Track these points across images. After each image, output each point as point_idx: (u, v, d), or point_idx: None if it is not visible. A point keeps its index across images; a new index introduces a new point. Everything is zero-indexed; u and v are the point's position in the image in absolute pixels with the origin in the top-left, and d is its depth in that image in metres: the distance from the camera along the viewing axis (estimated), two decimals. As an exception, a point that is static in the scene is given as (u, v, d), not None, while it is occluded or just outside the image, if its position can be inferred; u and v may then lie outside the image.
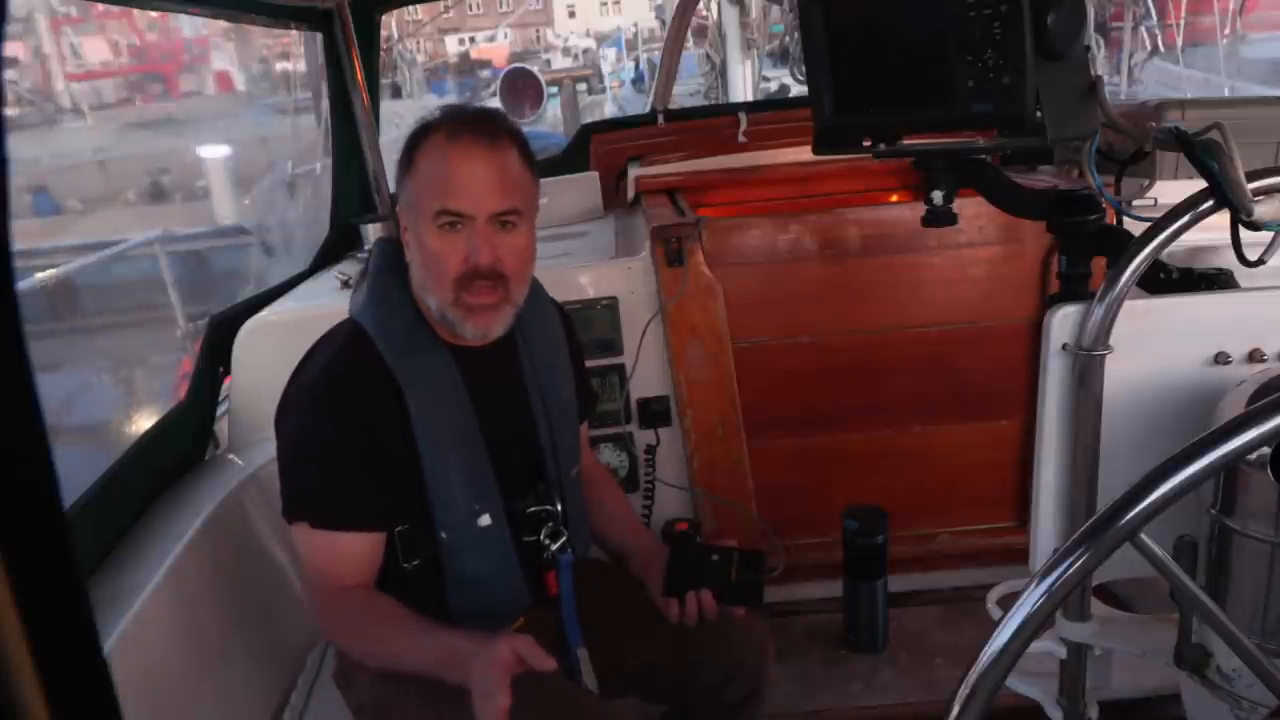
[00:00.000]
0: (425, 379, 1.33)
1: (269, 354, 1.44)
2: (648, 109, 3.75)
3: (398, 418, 1.30)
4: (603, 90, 22.09)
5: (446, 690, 1.33)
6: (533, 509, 1.42)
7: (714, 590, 1.40)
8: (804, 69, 1.49)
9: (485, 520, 1.35)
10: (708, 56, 6.21)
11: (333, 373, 1.32)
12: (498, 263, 1.29)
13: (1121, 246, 1.19)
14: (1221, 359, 1.20)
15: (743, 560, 1.45)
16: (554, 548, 1.43)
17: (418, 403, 1.31)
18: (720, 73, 5.82)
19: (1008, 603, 0.84)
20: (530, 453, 1.46)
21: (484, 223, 1.27)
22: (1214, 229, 1.14)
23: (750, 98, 5.74)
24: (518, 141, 1.33)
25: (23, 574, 0.32)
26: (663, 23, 16.25)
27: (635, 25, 25.33)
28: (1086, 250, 1.43)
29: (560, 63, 28.50)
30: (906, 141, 1.43)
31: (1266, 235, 1.14)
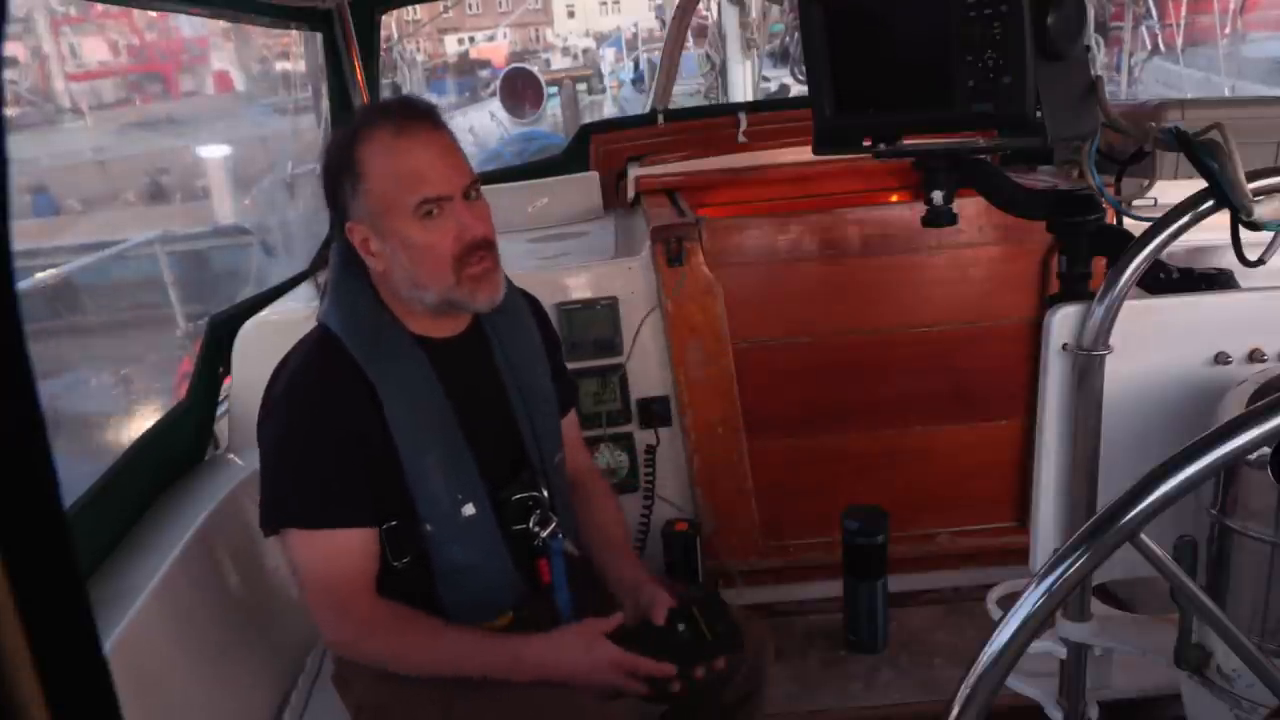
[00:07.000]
0: (397, 375, 1.33)
1: (269, 354, 1.44)
2: (648, 109, 3.75)
3: (373, 416, 1.31)
4: (602, 90, 22.08)
5: (447, 691, 1.33)
6: (518, 496, 1.42)
7: (694, 658, 1.30)
8: (804, 69, 1.49)
9: (469, 510, 1.35)
10: (708, 56, 6.19)
11: (306, 378, 1.33)
12: (486, 231, 1.33)
13: (1121, 246, 1.20)
14: (1221, 359, 1.20)
15: (706, 613, 1.34)
16: (544, 534, 1.43)
17: (391, 399, 1.31)
18: (720, 73, 5.81)
19: (1008, 603, 0.84)
20: (512, 441, 1.46)
21: (459, 198, 1.30)
22: (1214, 229, 1.14)
23: (750, 98, 5.73)
24: (441, 119, 1.36)
25: (23, 574, 0.32)
26: (662, 23, 16.23)
27: (635, 25, 25.29)
28: (1086, 250, 1.43)
29: (559, 62, 28.52)
30: (907, 141, 1.43)
31: (1266, 235, 1.14)
